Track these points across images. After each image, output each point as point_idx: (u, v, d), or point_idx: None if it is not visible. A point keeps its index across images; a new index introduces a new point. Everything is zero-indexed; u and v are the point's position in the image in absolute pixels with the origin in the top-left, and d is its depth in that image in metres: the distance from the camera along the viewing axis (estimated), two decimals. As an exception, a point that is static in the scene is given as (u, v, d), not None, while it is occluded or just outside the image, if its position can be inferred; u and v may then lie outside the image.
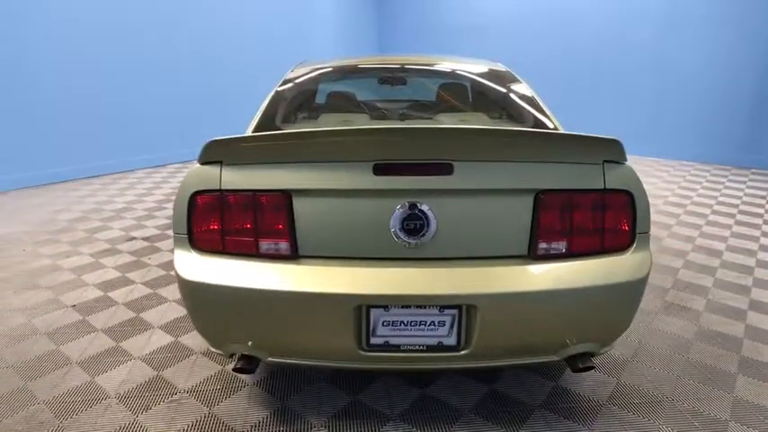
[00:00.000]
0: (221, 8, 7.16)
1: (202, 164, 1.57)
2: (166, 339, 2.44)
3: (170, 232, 3.95)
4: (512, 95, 2.55)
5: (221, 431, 1.83)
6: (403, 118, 2.53)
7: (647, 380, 2.12)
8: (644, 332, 2.50)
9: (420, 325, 1.55)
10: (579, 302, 1.55)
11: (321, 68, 2.84)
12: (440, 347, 1.57)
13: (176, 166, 6.83)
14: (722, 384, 2.10)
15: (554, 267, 1.56)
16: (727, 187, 5.56)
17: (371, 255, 1.56)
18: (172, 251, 1.65)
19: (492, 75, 2.76)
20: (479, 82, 2.89)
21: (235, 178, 1.54)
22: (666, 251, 3.62)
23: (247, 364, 1.63)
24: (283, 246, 1.56)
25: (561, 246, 1.58)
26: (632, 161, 6.51)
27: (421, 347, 1.57)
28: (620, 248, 1.61)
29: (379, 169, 1.50)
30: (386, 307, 1.52)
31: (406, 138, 1.55)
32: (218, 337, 1.67)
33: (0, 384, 2.09)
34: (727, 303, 2.82)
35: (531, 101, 2.39)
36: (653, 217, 4.41)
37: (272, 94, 2.43)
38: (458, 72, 2.97)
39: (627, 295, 1.61)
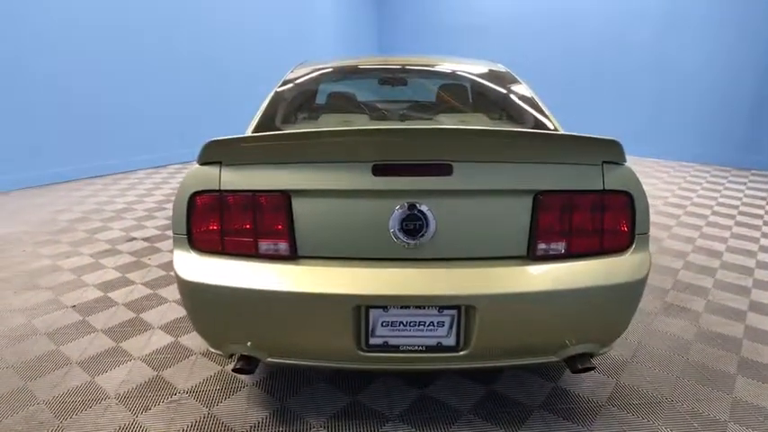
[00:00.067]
0: (221, 8, 7.16)
1: (202, 164, 1.57)
2: (166, 340, 2.44)
3: (170, 233, 3.95)
4: (511, 96, 2.55)
5: (220, 431, 1.83)
6: (403, 118, 2.54)
7: (646, 381, 2.12)
8: (643, 333, 2.50)
9: (419, 325, 1.55)
10: (578, 303, 1.55)
11: (321, 69, 2.85)
12: (439, 348, 1.57)
13: (177, 166, 6.84)
14: (721, 385, 2.10)
15: (553, 268, 1.56)
16: (727, 188, 5.55)
17: (371, 255, 1.56)
18: (172, 252, 1.66)
19: (492, 75, 2.76)
20: (479, 83, 2.89)
21: (234, 179, 1.55)
22: (666, 252, 3.62)
23: (247, 364, 1.63)
24: (282, 246, 1.56)
25: (560, 246, 1.58)
26: (632, 162, 6.49)
27: (420, 348, 1.57)
28: (619, 249, 1.61)
29: (379, 170, 1.50)
30: (385, 307, 1.52)
31: (406, 138, 1.56)
32: (217, 338, 1.67)
33: (0, 384, 2.09)
34: (727, 304, 2.82)
35: (530, 101, 2.39)
36: (653, 218, 4.41)
37: (271, 94, 2.43)
38: (458, 73, 2.98)
39: (626, 296, 1.61)
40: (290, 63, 3.23)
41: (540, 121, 2.23)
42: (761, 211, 4.66)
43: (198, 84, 7.02)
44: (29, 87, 5.38)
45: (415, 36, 9.81)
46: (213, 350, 1.72)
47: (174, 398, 2.01)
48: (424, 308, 1.53)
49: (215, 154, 1.56)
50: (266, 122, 2.19)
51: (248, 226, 1.57)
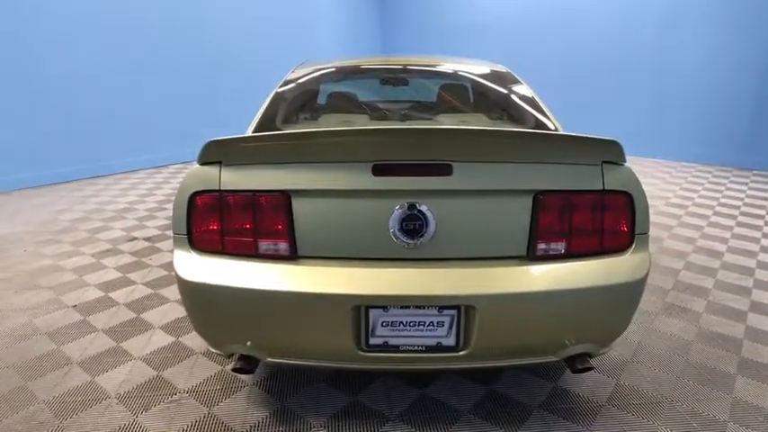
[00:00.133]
0: (223, 8, 7.17)
1: (202, 164, 1.58)
2: (167, 340, 2.44)
3: (171, 233, 3.96)
4: (512, 96, 2.55)
5: (220, 431, 1.83)
6: (404, 119, 2.54)
7: (646, 381, 2.12)
8: (644, 333, 2.50)
9: (419, 325, 1.55)
10: (578, 303, 1.55)
11: (322, 69, 2.85)
12: (439, 348, 1.57)
13: (178, 166, 6.85)
14: (721, 385, 2.10)
15: (553, 268, 1.56)
16: (728, 189, 5.55)
17: (370, 255, 1.56)
18: (172, 251, 1.66)
19: (492, 76, 2.76)
20: (480, 83, 2.89)
21: (234, 179, 1.55)
22: (667, 252, 3.61)
23: (246, 364, 1.63)
24: (282, 246, 1.56)
25: (560, 246, 1.58)
26: (634, 162, 6.42)
27: (420, 348, 1.57)
28: (619, 249, 1.61)
29: (378, 170, 1.50)
30: (385, 307, 1.52)
31: (405, 138, 1.56)
32: (217, 338, 1.67)
33: (0, 384, 2.10)
34: (728, 305, 2.82)
35: (531, 102, 2.39)
36: (654, 218, 4.40)
37: (272, 94, 2.44)
38: (459, 73, 2.98)
39: (626, 296, 1.61)
40: (291, 63, 3.23)
41: (541, 121, 2.23)
42: (762, 212, 4.66)
43: (199, 84, 7.04)
44: (30, 88, 5.39)
45: (418, 36, 9.82)
46: (213, 350, 1.73)
47: (175, 398, 2.01)
48: (424, 308, 1.53)
49: (215, 154, 1.56)
50: (267, 122, 2.19)
51: (248, 226, 1.57)
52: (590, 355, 1.67)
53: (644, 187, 1.61)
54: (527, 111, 2.35)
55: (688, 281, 3.13)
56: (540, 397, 2.01)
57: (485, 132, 1.62)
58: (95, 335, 2.49)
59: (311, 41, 8.62)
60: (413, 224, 1.51)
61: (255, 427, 1.85)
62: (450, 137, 1.57)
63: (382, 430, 1.83)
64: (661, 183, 5.83)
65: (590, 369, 1.62)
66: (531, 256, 1.57)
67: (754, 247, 3.72)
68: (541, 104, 2.35)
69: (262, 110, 2.28)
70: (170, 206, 4.82)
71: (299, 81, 2.68)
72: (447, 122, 2.44)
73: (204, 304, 1.59)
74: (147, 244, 3.78)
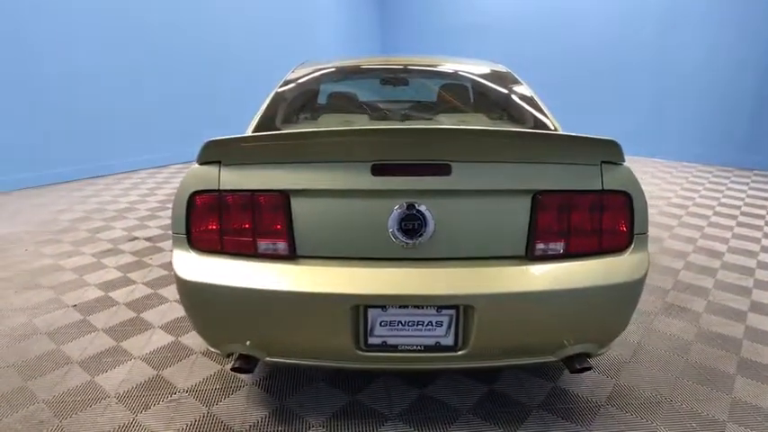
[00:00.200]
0: (223, 8, 7.18)
1: (201, 164, 1.58)
2: (167, 339, 2.45)
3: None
4: (512, 96, 2.55)
5: (220, 431, 1.83)
6: (403, 118, 2.54)
7: (645, 381, 2.12)
8: (643, 333, 2.50)
9: (417, 325, 1.55)
10: (576, 303, 1.55)
11: (322, 69, 2.85)
12: (437, 348, 1.57)
13: (179, 166, 6.85)
14: (721, 385, 2.10)
15: (551, 268, 1.56)
16: (729, 188, 5.54)
17: (369, 255, 1.56)
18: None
19: (493, 76, 2.76)
20: (480, 83, 2.89)
21: (233, 178, 1.55)
22: (667, 252, 3.61)
23: (245, 363, 1.64)
24: (281, 246, 1.56)
25: (559, 246, 1.58)
26: (634, 162, 6.43)
27: (418, 347, 1.57)
28: (617, 249, 1.61)
29: (377, 170, 1.50)
30: (383, 307, 1.53)
31: (404, 138, 1.56)
32: (216, 337, 1.68)
33: (0, 383, 2.10)
34: (728, 305, 2.82)
35: (530, 102, 2.39)
36: (655, 218, 4.40)
37: (272, 94, 2.44)
38: (459, 73, 2.98)
39: (624, 296, 1.61)
40: (291, 63, 3.23)
41: (540, 121, 2.23)
42: (762, 212, 4.65)
43: (199, 84, 7.04)
44: (29, 88, 5.40)
45: (418, 36, 9.82)
46: (212, 349, 1.73)
47: (174, 397, 2.02)
48: (423, 308, 1.53)
49: (214, 154, 1.56)
50: (266, 122, 2.20)
51: (247, 225, 1.57)
52: (589, 355, 1.67)
53: (645, 187, 1.61)
54: (527, 111, 2.35)
55: (688, 281, 3.13)
56: (540, 397, 2.01)
57: (483, 132, 1.62)
58: (95, 334, 2.49)
59: (311, 41, 8.62)
60: (411, 224, 1.51)
61: (255, 427, 1.85)
62: (448, 137, 1.57)
63: (381, 430, 1.83)
64: (662, 183, 5.82)
65: (588, 369, 1.62)
66: (530, 256, 1.57)
67: (755, 247, 3.72)
68: (541, 104, 2.35)
69: (261, 110, 2.29)
70: (171, 206, 4.82)
71: (299, 81, 2.68)
72: (447, 122, 2.44)
73: (203, 304, 1.60)
74: (147, 244, 3.78)
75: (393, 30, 10.25)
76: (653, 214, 4.51)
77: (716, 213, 4.60)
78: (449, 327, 1.55)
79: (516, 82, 2.63)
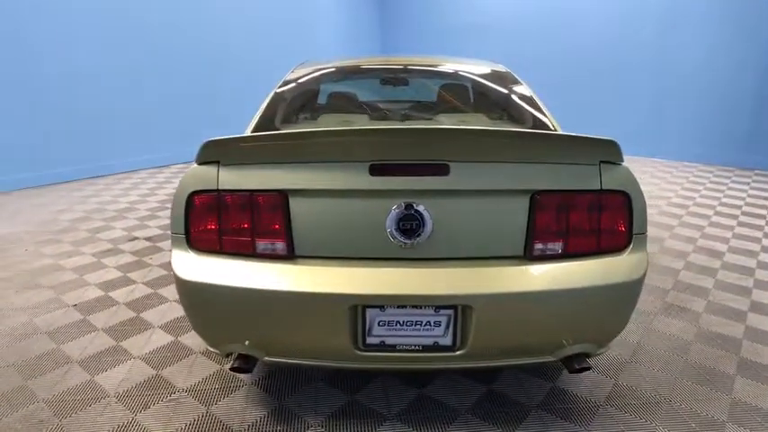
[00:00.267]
0: (223, 8, 7.18)
1: (200, 164, 1.58)
2: (166, 339, 2.45)
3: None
4: (511, 96, 2.55)
5: (219, 430, 1.84)
6: (403, 118, 2.54)
7: (645, 381, 2.12)
8: (643, 333, 2.50)
9: (416, 325, 1.55)
10: (575, 303, 1.55)
11: (322, 69, 2.85)
12: (436, 347, 1.57)
13: (179, 166, 6.86)
14: (720, 386, 2.09)
15: (550, 268, 1.56)
16: (730, 188, 5.54)
17: (367, 255, 1.56)
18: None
19: (492, 76, 2.76)
20: (480, 83, 2.89)
21: (232, 178, 1.55)
22: (668, 252, 3.61)
23: (244, 363, 1.64)
24: (280, 246, 1.56)
25: (557, 246, 1.58)
26: (635, 162, 6.42)
27: (417, 347, 1.57)
28: (616, 249, 1.61)
29: (375, 170, 1.50)
30: (382, 307, 1.53)
31: (402, 138, 1.56)
32: (215, 337, 1.68)
33: (1, 383, 2.11)
34: (728, 305, 2.81)
35: (530, 101, 2.39)
36: (656, 218, 4.40)
37: (271, 94, 2.44)
38: (459, 73, 2.98)
39: (623, 296, 1.60)
40: (291, 63, 3.24)
41: (540, 120, 2.23)
42: (763, 212, 4.64)
43: (199, 84, 7.05)
44: (30, 88, 5.41)
45: (418, 36, 9.81)
46: (211, 349, 1.73)
47: (173, 396, 2.02)
48: (421, 307, 1.53)
49: (213, 154, 1.56)
50: (265, 123, 2.20)
51: (246, 225, 1.57)
52: (588, 356, 1.67)
53: (645, 187, 1.61)
54: (526, 111, 2.35)
55: (688, 281, 3.12)
56: (539, 397, 2.01)
57: (481, 132, 1.62)
58: (95, 334, 2.50)
59: (311, 41, 8.62)
60: (410, 224, 1.51)
61: (253, 426, 1.85)
62: (446, 137, 1.57)
63: (380, 430, 1.83)
64: (662, 182, 5.82)
65: (587, 369, 1.62)
66: (529, 256, 1.57)
67: (755, 247, 3.71)
68: (540, 104, 2.35)
69: (261, 110, 2.29)
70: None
71: (299, 81, 2.68)
72: (446, 122, 2.44)
73: (202, 303, 1.60)
74: (147, 243, 3.79)
75: (393, 30, 10.24)
76: (653, 214, 4.51)
77: (717, 213, 4.59)
78: (447, 327, 1.55)
79: (516, 82, 2.62)
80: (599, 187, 1.56)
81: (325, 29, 9.08)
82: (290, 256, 1.57)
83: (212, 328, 1.65)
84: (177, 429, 1.84)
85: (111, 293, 2.94)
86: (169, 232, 1.65)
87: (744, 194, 5.27)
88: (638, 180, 1.62)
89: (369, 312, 1.53)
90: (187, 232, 1.60)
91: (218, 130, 2.39)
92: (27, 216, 4.49)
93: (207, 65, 7.09)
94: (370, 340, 1.56)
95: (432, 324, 1.55)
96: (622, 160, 1.59)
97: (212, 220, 1.58)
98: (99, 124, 6.07)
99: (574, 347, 1.62)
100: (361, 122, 2.45)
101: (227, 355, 1.73)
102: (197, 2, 6.86)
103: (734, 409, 1.95)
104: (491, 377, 2.12)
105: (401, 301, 1.51)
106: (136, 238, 3.90)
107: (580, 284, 1.53)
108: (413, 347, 1.57)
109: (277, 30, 7.99)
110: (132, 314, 2.70)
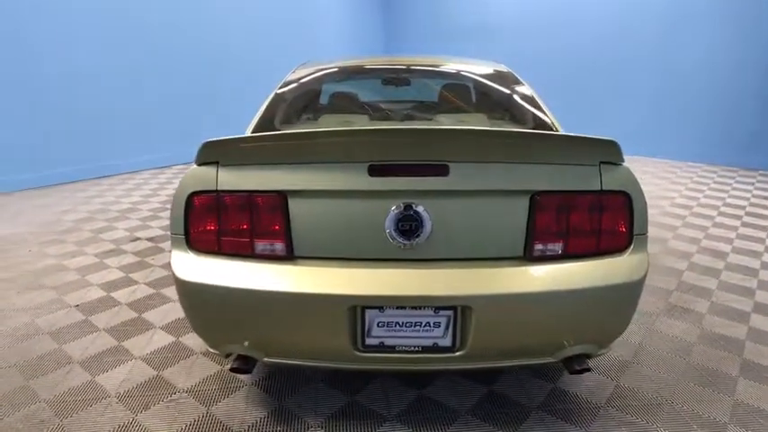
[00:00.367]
0: (223, 8, 7.19)
1: (199, 165, 1.58)
2: (167, 339, 2.45)
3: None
4: (513, 96, 2.55)
5: (219, 431, 1.84)
6: (404, 119, 2.53)
7: (646, 382, 2.11)
8: (645, 334, 2.49)
9: (415, 326, 1.55)
10: (576, 304, 1.55)
11: (323, 69, 2.85)
12: (435, 348, 1.57)
13: (181, 166, 6.87)
14: (723, 387, 2.08)
15: (550, 269, 1.55)
16: (734, 189, 5.50)
17: (367, 256, 1.56)
18: (172, 252, 1.67)
19: (494, 76, 2.75)
20: (481, 83, 2.89)
21: (231, 179, 1.55)
22: (671, 253, 3.59)
23: (244, 364, 1.64)
24: (279, 246, 1.56)
25: (557, 247, 1.57)
26: (639, 162, 6.38)
27: (416, 348, 1.57)
28: (617, 250, 1.60)
29: (375, 170, 1.50)
30: (381, 308, 1.52)
31: (401, 138, 1.56)
32: (214, 338, 1.68)
33: (2, 383, 2.11)
34: (731, 306, 2.79)
35: (531, 102, 2.38)
36: (659, 219, 4.38)
37: (272, 95, 2.44)
38: (460, 73, 2.97)
39: (624, 297, 1.60)
40: (291, 63, 3.24)
41: (541, 120, 2.22)
42: (767, 212, 4.62)
43: (199, 84, 7.05)
44: (30, 88, 5.42)
45: (422, 37, 9.80)
46: (211, 350, 1.73)
47: (174, 397, 2.02)
48: (420, 308, 1.53)
49: (212, 154, 1.57)
50: (266, 123, 2.20)
51: (245, 226, 1.57)
52: (588, 356, 1.66)
53: (646, 187, 1.60)
54: (527, 111, 2.34)
55: (691, 282, 3.11)
56: (539, 398, 2.00)
57: (481, 132, 1.62)
58: (97, 334, 2.50)
59: (312, 42, 8.62)
60: (409, 224, 1.51)
61: (253, 427, 1.85)
62: (446, 137, 1.56)
63: (380, 430, 1.83)
64: (666, 183, 5.79)
65: (588, 370, 1.62)
66: (528, 257, 1.57)
67: (759, 248, 3.69)
68: (542, 104, 2.34)
69: (261, 110, 2.29)
70: (173, 206, 4.83)
71: (300, 81, 2.68)
72: (447, 122, 2.44)
73: (202, 304, 1.60)
74: (150, 244, 3.80)
75: (395, 30, 10.24)
76: (656, 214, 4.49)
77: (720, 214, 4.57)
78: (446, 327, 1.54)
79: (517, 82, 2.62)
80: (599, 188, 1.55)
81: (327, 29, 9.08)
82: (289, 256, 1.57)
83: (212, 328, 1.65)
84: (178, 430, 1.84)
85: (113, 294, 2.95)
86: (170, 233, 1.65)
87: (748, 195, 5.24)
88: (640, 180, 1.61)
89: (368, 313, 1.53)
90: (186, 233, 1.60)
91: (218, 130, 2.39)
92: (29, 217, 4.51)
93: (207, 65, 7.09)
94: (369, 341, 1.56)
95: (431, 325, 1.54)
96: (623, 160, 1.58)
97: (212, 221, 1.58)
98: (99, 124, 6.07)
99: (574, 348, 1.61)
100: (362, 123, 2.44)
101: (227, 356, 1.73)
102: (197, 2, 6.87)
103: (736, 410, 1.94)
104: (491, 378, 2.11)
105: (400, 302, 1.51)
106: (138, 239, 3.91)
107: (580, 285, 1.52)
108: (412, 348, 1.57)
109: (277, 30, 7.99)
110: (134, 314, 2.70)
